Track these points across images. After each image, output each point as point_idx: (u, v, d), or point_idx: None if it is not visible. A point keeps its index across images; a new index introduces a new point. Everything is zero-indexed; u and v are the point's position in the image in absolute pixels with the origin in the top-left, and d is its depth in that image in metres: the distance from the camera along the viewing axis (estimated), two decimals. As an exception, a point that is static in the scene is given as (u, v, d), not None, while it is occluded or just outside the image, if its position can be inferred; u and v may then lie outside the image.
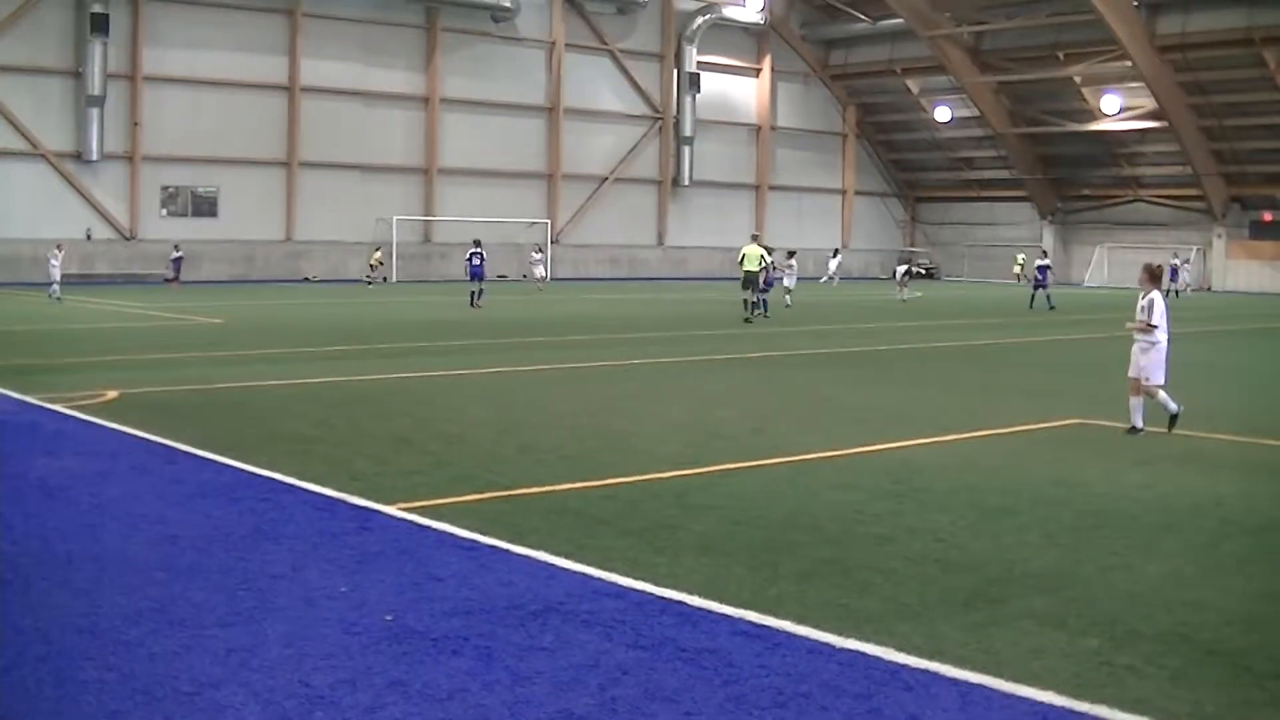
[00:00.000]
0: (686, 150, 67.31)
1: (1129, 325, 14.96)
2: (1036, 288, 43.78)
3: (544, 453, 12.76)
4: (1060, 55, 64.10)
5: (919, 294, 47.12)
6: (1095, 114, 66.04)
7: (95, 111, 49.72)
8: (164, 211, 52.69)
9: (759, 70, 71.08)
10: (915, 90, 72.59)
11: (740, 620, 7.21)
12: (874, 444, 13.72)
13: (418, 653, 6.57)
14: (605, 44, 64.42)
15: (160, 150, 51.82)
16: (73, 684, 6.03)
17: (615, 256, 65.78)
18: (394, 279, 56.35)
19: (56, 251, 39.62)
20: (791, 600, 7.65)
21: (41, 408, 15.12)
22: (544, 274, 51.07)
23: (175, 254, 49.08)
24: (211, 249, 53.03)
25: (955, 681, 6.30)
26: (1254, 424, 15.75)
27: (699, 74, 67.03)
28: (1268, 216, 64.77)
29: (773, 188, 71.88)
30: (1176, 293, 55.33)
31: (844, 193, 75.92)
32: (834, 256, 64.47)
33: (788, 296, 40.16)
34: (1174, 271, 57.35)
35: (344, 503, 10.16)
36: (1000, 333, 31.06)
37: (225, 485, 10.83)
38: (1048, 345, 28.43)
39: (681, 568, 8.36)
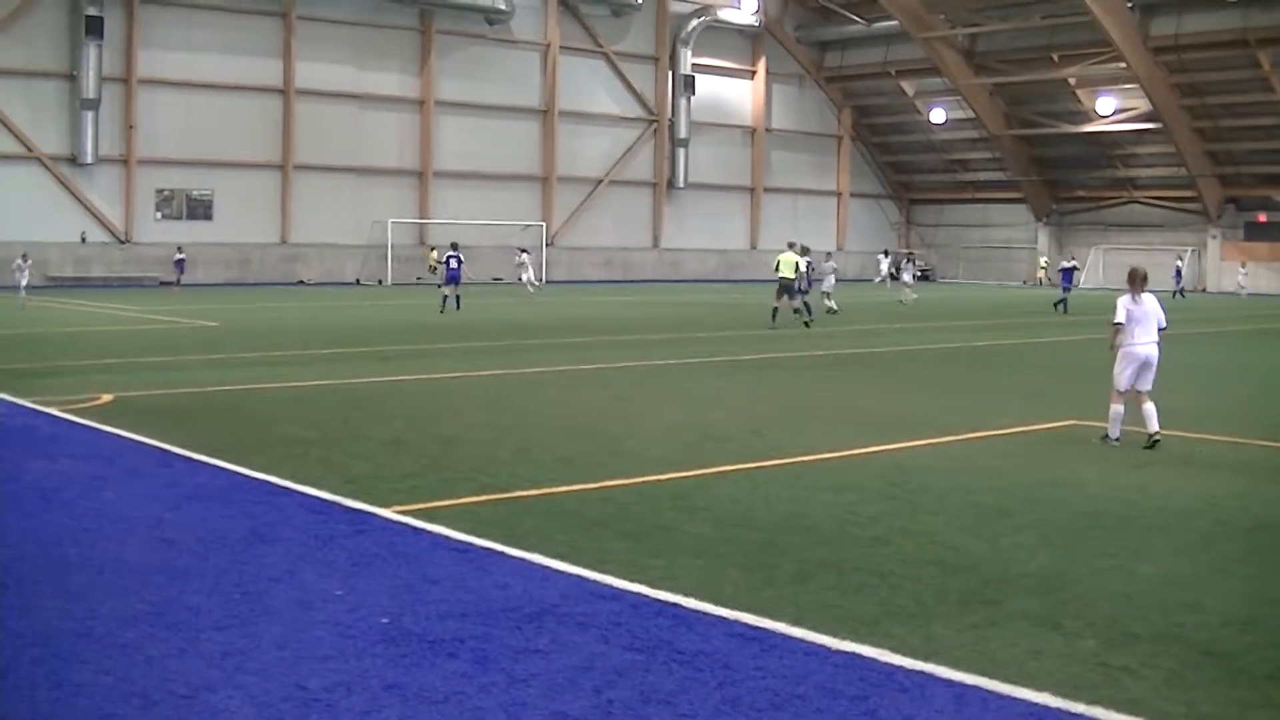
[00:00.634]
0: (681, 152, 67.33)
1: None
2: (1067, 287, 42.72)
3: (540, 455, 12.76)
4: (1055, 57, 64.22)
5: (915, 296, 47.08)
6: (1090, 115, 66.15)
7: (90, 114, 49.71)
8: (158, 215, 52.66)
9: (754, 72, 71.13)
10: (910, 92, 72.67)
11: (736, 622, 7.21)
12: (869, 446, 13.73)
13: (413, 655, 6.57)
14: (600, 46, 64.44)
15: (155, 153, 51.82)
16: (68, 687, 6.02)
17: (610, 259, 65.80)
18: (389, 282, 56.36)
19: (22, 262, 38.49)
20: (787, 602, 7.65)
21: (37, 411, 15.10)
22: (532, 277, 49.77)
23: (178, 255, 49.06)
24: (206, 252, 52.99)
25: (951, 683, 6.30)
26: (1248, 425, 15.75)
27: (694, 76, 67.08)
28: (1262, 217, 64.89)
29: (768, 190, 71.92)
30: (1182, 293, 55.29)
31: (839, 195, 75.99)
32: (885, 256, 64.33)
33: (830, 300, 39.17)
34: (1177, 273, 57.36)
35: (339, 506, 10.15)
36: (995, 334, 31.08)
37: (220, 488, 10.83)
38: (1043, 347, 28.45)
39: (677, 570, 8.36)
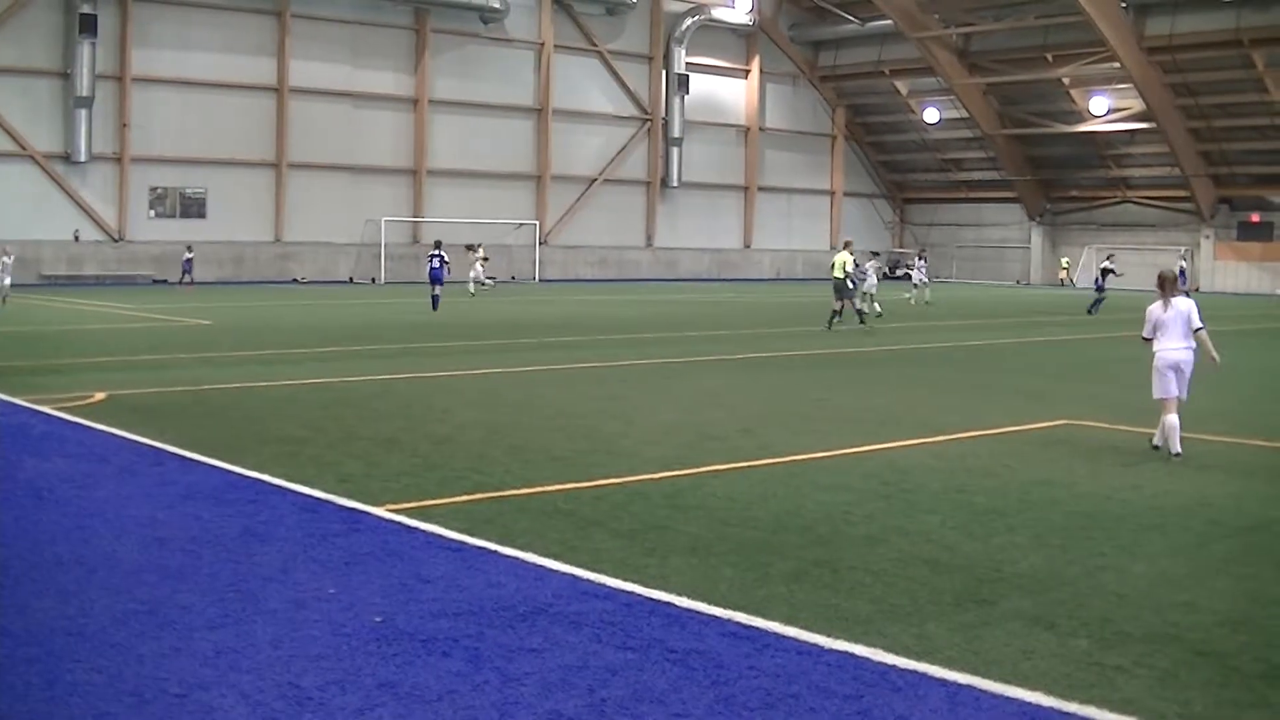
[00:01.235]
0: (675, 151, 67.31)
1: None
2: (1101, 287, 41.34)
3: (533, 454, 12.76)
4: (1048, 57, 64.24)
5: (907, 296, 47.05)
6: (1083, 115, 66.19)
7: (83, 112, 49.60)
8: (152, 213, 52.56)
9: (748, 71, 71.11)
10: (904, 91, 72.68)
11: (729, 621, 7.22)
12: (864, 445, 13.74)
13: (407, 654, 6.57)
14: (594, 45, 64.41)
15: (149, 151, 51.72)
16: (61, 686, 6.01)
17: (604, 258, 65.77)
18: (382, 280, 56.33)
19: (5, 259, 36.03)
20: (781, 601, 7.65)
21: (29, 409, 15.09)
22: (482, 274, 48.25)
23: (187, 255, 48.85)
24: (200, 250, 52.79)
25: (944, 682, 6.31)
26: (1242, 425, 15.78)
27: (688, 75, 67.04)
28: (1255, 217, 64.97)
29: (761, 189, 71.92)
30: (1187, 294, 55.31)
31: (833, 194, 75.98)
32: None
33: (875, 305, 37.08)
34: (1182, 273, 57.37)
35: (333, 504, 10.15)
36: (989, 334, 31.10)
37: (214, 487, 10.82)
38: (1037, 347, 28.47)
39: (671, 569, 8.37)
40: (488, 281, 48.99)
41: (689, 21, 66.59)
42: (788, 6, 71.97)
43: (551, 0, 62.14)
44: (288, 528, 9.36)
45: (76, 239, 50.46)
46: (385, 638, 6.82)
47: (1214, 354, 13.61)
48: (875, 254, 40.39)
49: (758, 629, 7.09)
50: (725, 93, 70.49)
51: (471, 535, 9.11)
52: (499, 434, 13.98)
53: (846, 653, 6.72)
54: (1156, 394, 13.33)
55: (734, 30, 69.74)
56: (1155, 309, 13.54)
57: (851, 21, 69.55)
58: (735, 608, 7.45)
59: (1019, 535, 9.57)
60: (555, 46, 62.64)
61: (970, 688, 6.24)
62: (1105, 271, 41.82)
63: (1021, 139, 70.00)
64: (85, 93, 49.29)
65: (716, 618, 7.28)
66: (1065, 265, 68.61)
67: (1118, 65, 59.03)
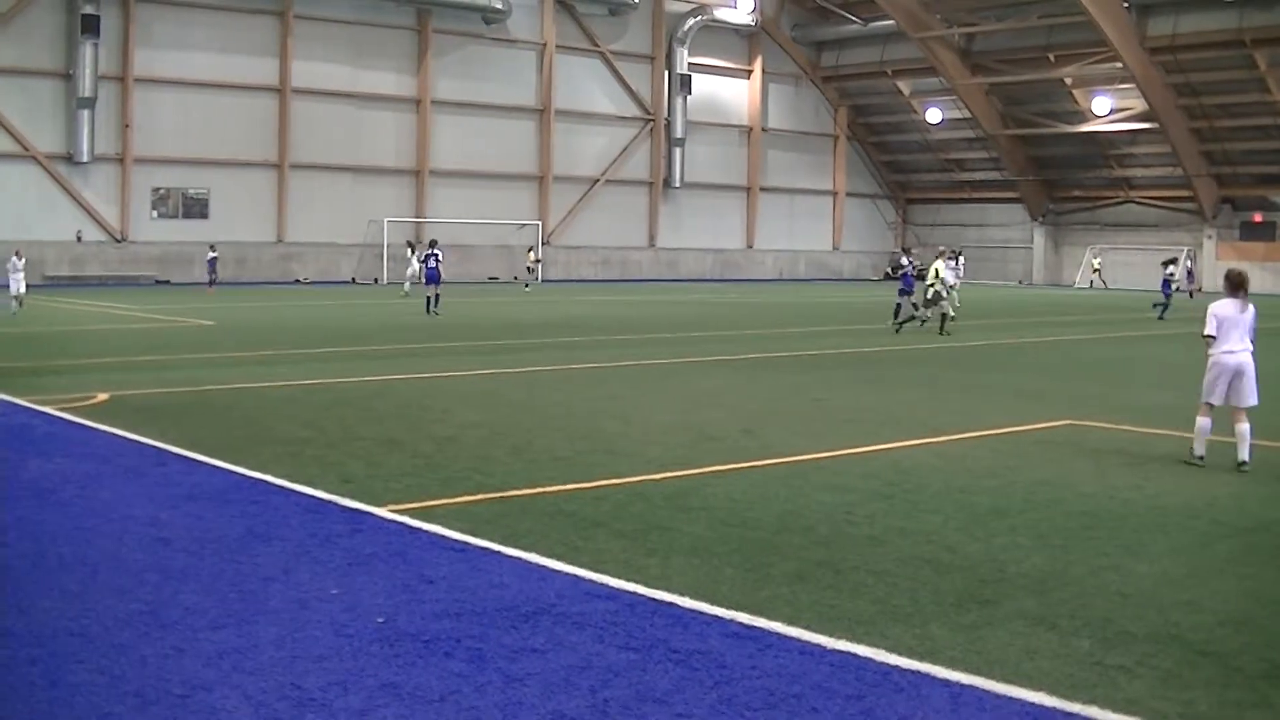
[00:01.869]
0: (678, 152, 67.33)
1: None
2: (1168, 293, 39.92)
3: (535, 454, 12.76)
4: (1051, 57, 64.25)
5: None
6: (1086, 115, 66.19)
7: (86, 113, 49.65)
8: (154, 213, 52.61)
9: (750, 72, 71.12)
10: (906, 92, 72.69)
11: (732, 622, 7.22)
12: (865, 445, 13.74)
13: (409, 655, 6.57)
14: (596, 46, 64.43)
15: (151, 152, 51.76)
16: (64, 687, 6.02)
17: (607, 258, 65.78)
18: (385, 281, 56.34)
19: (16, 260, 33.98)
20: (783, 602, 7.65)
21: (32, 410, 15.09)
22: (415, 273, 46.50)
23: (211, 255, 48.21)
24: (202, 251, 52.84)
25: (947, 683, 6.30)
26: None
27: (690, 75, 67.06)
28: (1258, 217, 64.95)
29: (764, 189, 71.93)
30: (1190, 294, 55.17)
31: (835, 194, 75.99)
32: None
33: (924, 309, 34.67)
34: (1189, 273, 57.19)
35: (335, 505, 10.15)
36: (991, 334, 31.08)
37: (217, 488, 10.82)
38: (1039, 347, 28.45)
39: (673, 569, 8.37)
40: (410, 285, 47.13)
41: (691, 22, 66.60)
42: (790, 7, 71.97)
43: (554, 1, 62.16)
44: (290, 528, 9.36)
45: (79, 240, 50.49)
46: (388, 638, 6.82)
47: None
48: (956, 255, 38.93)
49: (760, 629, 7.09)
50: (727, 93, 70.51)
51: (474, 536, 9.10)
52: (501, 434, 13.97)
53: (849, 653, 6.71)
54: (1214, 398, 12.63)
55: (736, 30, 69.75)
56: (1225, 307, 12.71)
57: (854, 22, 69.58)
58: (738, 608, 7.44)
59: (1021, 535, 9.56)
60: (557, 47, 62.67)
61: (973, 688, 6.24)
62: (1181, 273, 39.69)
63: (1024, 139, 69.99)
64: (88, 93, 49.34)
65: (719, 618, 7.28)
66: (1097, 266, 67.92)
67: (1120, 65, 59.04)
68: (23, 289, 33.68)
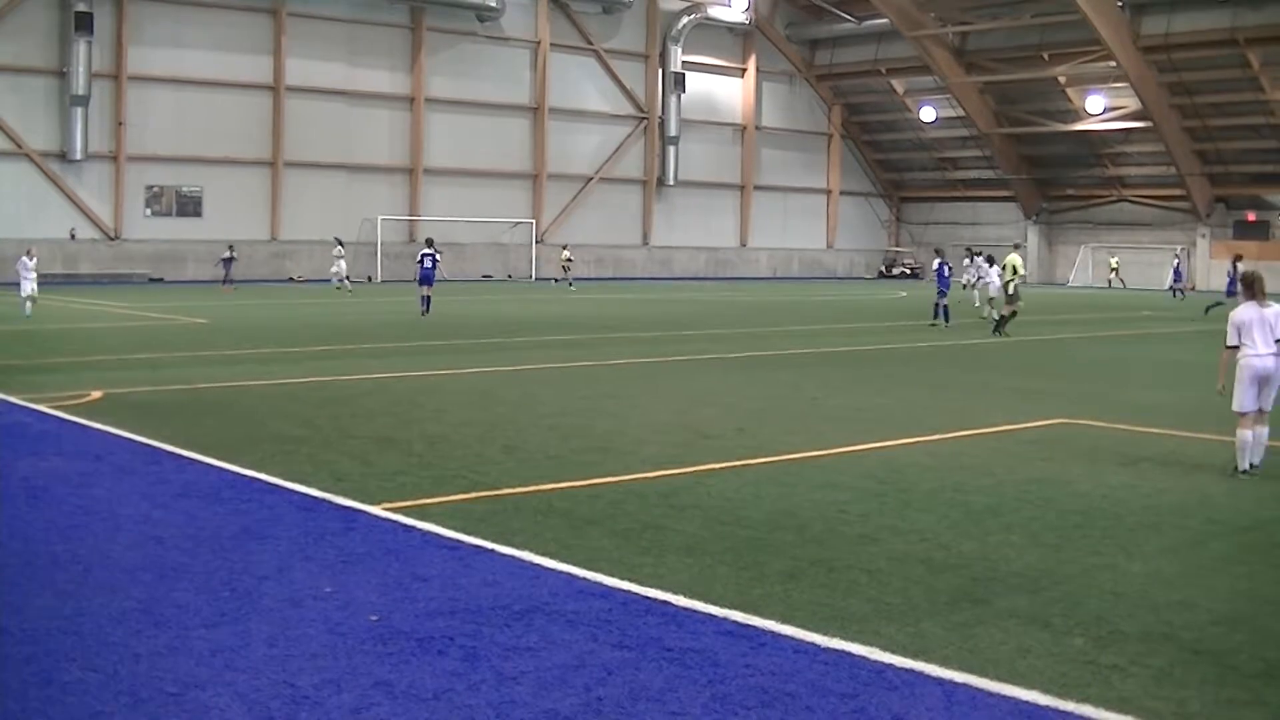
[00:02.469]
0: (671, 150, 67.35)
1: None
2: (1231, 295, 38.87)
3: (529, 453, 12.75)
4: (1045, 56, 64.30)
5: (902, 293, 46.98)
6: (1080, 114, 66.27)
7: (79, 111, 49.60)
8: (148, 211, 52.57)
9: (744, 70, 71.14)
10: (900, 90, 72.76)
11: (725, 620, 7.22)
12: (859, 444, 13.74)
13: (403, 653, 6.56)
14: (590, 44, 64.42)
15: (145, 150, 51.72)
16: (57, 685, 6.01)
17: (600, 256, 65.76)
18: (379, 279, 56.31)
19: (27, 260, 32.49)
20: (776, 600, 7.65)
21: (26, 408, 15.08)
22: (344, 271, 46.53)
23: (226, 254, 47.98)
24: (196, 249, 52.94)
25: (940, 681, 6.31)
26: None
27: (684, 74, 67.09)
28: (1251, 216, 65.03)
29: (758, 188, 71.96)
30: (1181, 293, 55.05)
31: (829, 193, 76.03)
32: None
33: (990, 308, 34.62)
34: (1176, 272, 57.02)
35: (329, 503, 10.14)
36: (985, 332, 31.08)
37: (210, 486, 10.81)
38: (1033, 345, 28.46)
39: (666, 568, 8.37)
40: (347, 282, 46.65)
41: (685, 20, 66.61)
42: (784, 5, 72.01)
43: (548, -1, 62.24)
44: (284, 526, 9.35)
45: (73, 237, 50.44)
46: (381, 636, 6.82)
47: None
48: (979, 254, 38.25)
49: (754, 628, 7.09)
50: (721, 91, 70.52)
51: (467, 534, 9.10)
52: (495, 433, 13.97)
53: (842, 651, 6.72)
54: (1244, 405, 12.07)
55: (730, 29, 69.76)
56: (1246, 312, 12.19)
57: (848, 20, 69.60)
58: (731, 606, 7.44)
59: (1015, 534, 9.57)
60: (551, 45, 62.66)
61: (966, 686, 6.24)
62: (1235, 278, 39.27)
63: (1018, 138, 70.05)
64: (81, 91, 49.30)
65: (712, 616, 7.28)
66: (1115, 266, 66.79)
67: (1114, 64, 59.11)
68: (35, 289, 32.30)
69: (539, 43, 62.34)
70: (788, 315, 37.72)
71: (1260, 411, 12.14)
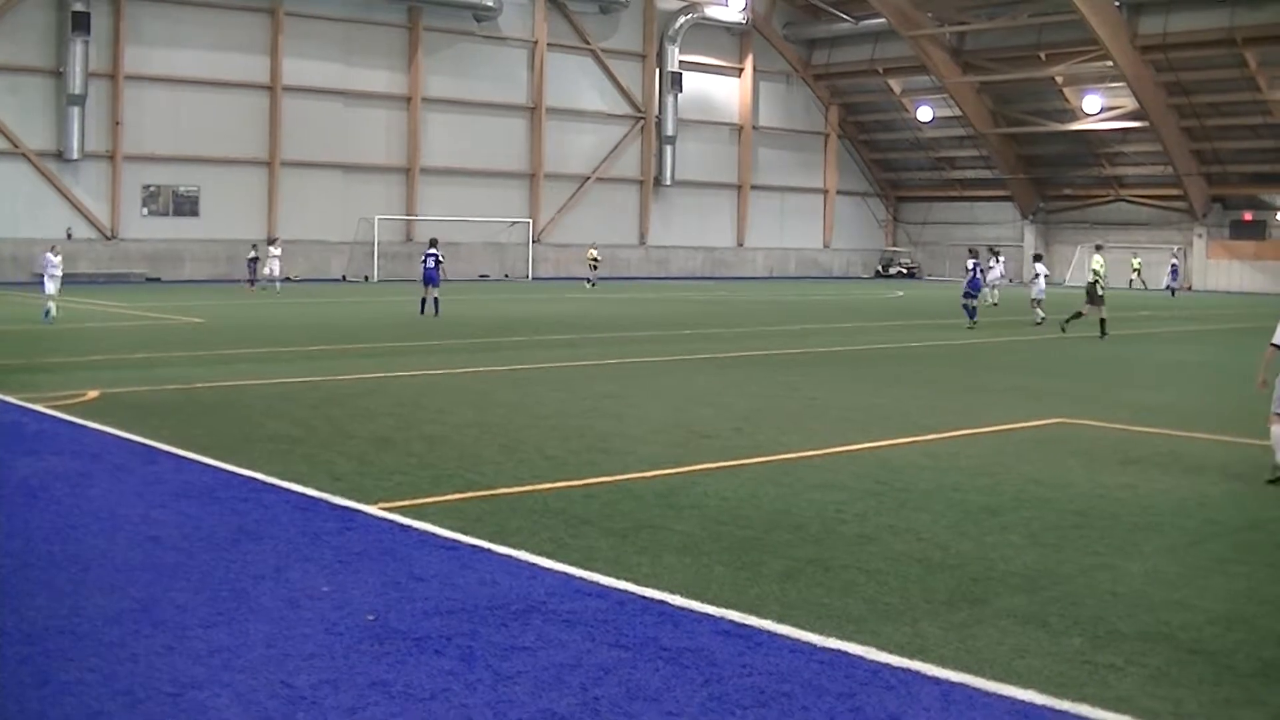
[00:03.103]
0: (668, 150, 67.31)
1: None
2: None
3: (526, 452, 12.75)
4: (1042, 55, 64.29)
5: (899, 293, 46.98)
6: (1077, 114, 66.26)
7: (76, 110, 49.55)
8: (145, 211, 52.52)
9: (741, 70, 71.11)
10: (897, 90, 72.75)
11: (722, 620, 7.22)
12: (856, 443, 13.74)
13: (400, 653, 6.56)
14: (587, 43, 64.39)
15: (141, 149, 51.67)
16: (55, 685, 6.01)
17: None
18: (375, 278, 56.30)
19: (52, 256, 30.97)
20: (773, 600, 7.66)
21: (22, 408, 15.07)
22: (277, 271, 46.37)
23: (251, 254, 47.66)
24: (193, 248, 52.92)
25: (937, 680, 6.31)
26: (1235, 424, 15.74)
27: (681, 73, 67.04)
28: (1248, 216, 65.06)
29: (755, 187, 71.93)
30: (1173, 291, 55.07)
31: (826, 192, 76.00)
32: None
33: (1038, 309, 34.72)
34: (1174, 271, 57.09)
35: (326, 503, 10.14)
36: (983, 333, 31.10)
37: (207, 485, 10.81)
38: (1031, 345, 28.47)
39: (663, 567, 8.37)
40: (277, 285, 46.48)
41: (682, 19, 66.59)
42: (781, 5, 71.97)
43: (545, -2, 62.21)
44: (281, 526, 9.35)
45: (69, 237, 50.34)
46: (378, 636, 6.82)
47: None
48: (996, 254, 37.86)
49: (750, 627, 7.10)
50: (718, 91, 70.50)
51: (464, 534, 9.11)
52: (492, 432, 13.97)
53: (839, 651, 6.72)
54: (1277, 406, 11.60)
55: (727, 28, 69.72)
56: None
57: (845, 20, 69.55)
58: (728, 606, 7.45)
59: (1012, 534, 9.57)
60: (548, 44, 62.63)
61: (963, 686, 6.25)
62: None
63: (1014, 137, 70.05)
64: (78, 90, 49.25)
65: (709, 616, 7.28)
66: (1137, 266, 64.41)
67: (1111, 64, 59.10)
68: (58, 289, 30.54)
69: (536, 42, 62.32)
70: (785, 315, 37.73)
71: None
